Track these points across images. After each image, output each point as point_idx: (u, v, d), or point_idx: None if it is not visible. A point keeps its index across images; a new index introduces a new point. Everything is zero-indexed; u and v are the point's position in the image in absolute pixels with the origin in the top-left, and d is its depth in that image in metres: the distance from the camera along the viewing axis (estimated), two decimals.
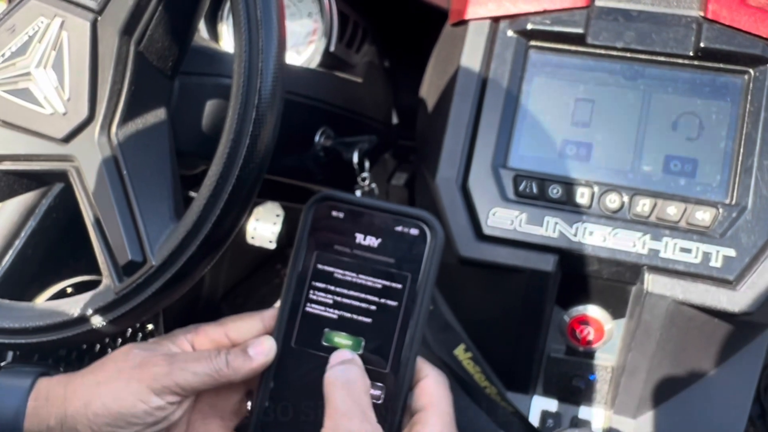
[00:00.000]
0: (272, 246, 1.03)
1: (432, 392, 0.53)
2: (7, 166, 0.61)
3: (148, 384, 0.51)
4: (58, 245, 0.94)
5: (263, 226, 1.03)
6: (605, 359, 0.71)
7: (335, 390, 0.49)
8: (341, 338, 0.54)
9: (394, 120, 1.03)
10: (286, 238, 1.04)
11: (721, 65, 0.66)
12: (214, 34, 0.85)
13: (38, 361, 0.79)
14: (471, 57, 0.71)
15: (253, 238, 1.03)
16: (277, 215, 1.04)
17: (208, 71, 0.65)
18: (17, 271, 0.89)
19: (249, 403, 0.58)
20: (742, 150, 0.64)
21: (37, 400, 0.52)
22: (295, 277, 0.56)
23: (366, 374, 0.51)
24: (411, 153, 1.17)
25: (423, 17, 0.85)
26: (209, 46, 0.74)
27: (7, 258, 0.90)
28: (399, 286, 0.54)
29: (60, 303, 0.56)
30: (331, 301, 0.55)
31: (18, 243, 0.91)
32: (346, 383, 0.49)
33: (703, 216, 0.63)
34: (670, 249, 0.63)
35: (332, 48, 0.81)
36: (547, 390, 0.72)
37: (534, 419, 0.72)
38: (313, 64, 0.82)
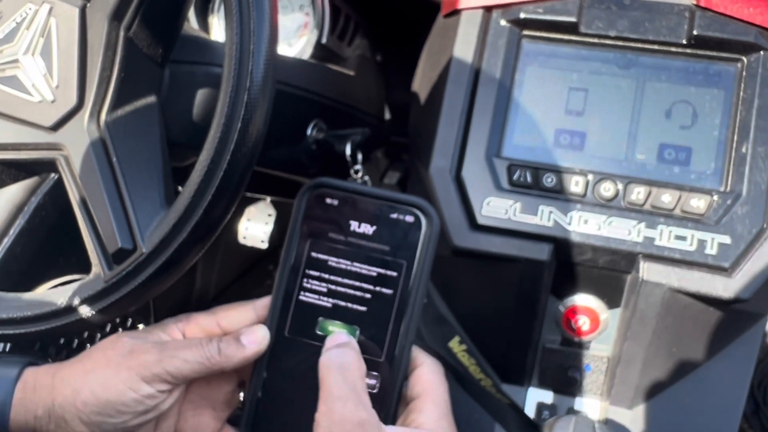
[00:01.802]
0: (264, 246, 1.02)
1: (427, 380, 0.52)
2: None
3: (138, 372, 0.50)
4: (47, 244, 0.93)
5: (255, 226, 1.02)
6: (600, 349, 0.70)
7: (330, 374, 0.48)
8: (336, 327, 0.54)
9: (387, 115, 1.03)
10: (278, 238, 1.03)
11: (714, 53, 0.66)
12: (204, 25, 0.84)
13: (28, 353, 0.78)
14: (463, 47, 0.70)
15: (245, 238, 1.02)
16: (269, 215, 1.03)
17: (199, 59, 0.64)
18: (6, 270, 0.88)
19: (241, 394, 0.57)
20: (735, 137, 0.64)
21: (24, 390, 0.51)
22: (288, 266, 0.55)
23: (362, 359, 0.51)
24: (403, 152, 1.16)
25: (414, 10, 0.85)
26: (200, 35, 0.74)
27: None
28: (394, 274, 0.54)
29: (49, 293, 0.56)
30: (325, 290, 0.55)
31: (6, 241, 0.90)
32: (342, 367, 0.48)
33: (698, 203, 0.63)
34: (665, 237, 0.63)
35: (324, 40, 0.81)
36: (543, 381, 0.72)
37: (529, 411, 0.71)
38: (305, 56, 0.81)
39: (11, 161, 0.60)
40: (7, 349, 0.76)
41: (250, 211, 1.04)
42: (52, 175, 0.94)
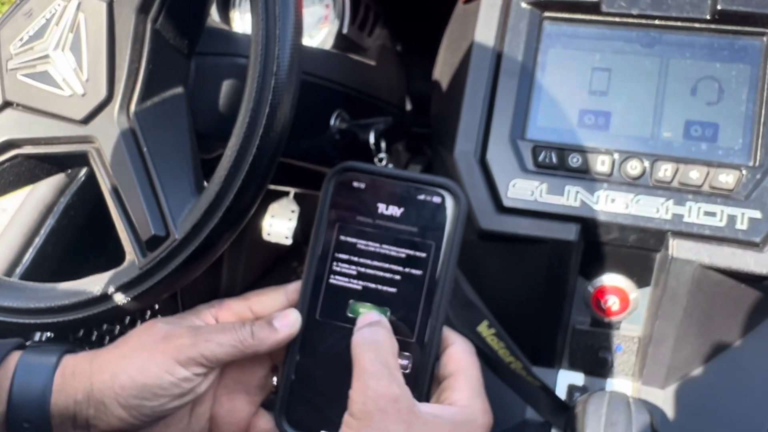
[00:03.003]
0: (288, 242, 1.03)
1: (459, 358, 0.53)
2: (28, 150, 0.61)
3: (173, 355, 0.51)
4: (77, 243, 0.95)
5: (279, 222, 1.03)
6: (631, 330, 0.70)
7: (363, 351, 0.49)
8: (366, 309, 0.54)
9: (408, 106, 1.03)
10: (301, 234, 1.04)
11: (739, 27, 0.65)
12: (226, 20, 0.85)
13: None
14: (485, 31, 0.70)
15: (269, 234, 1.03)
16: (293, 211, 1.04)
17: (224, 51, 0.65)
18: (38, 269, 0.90)
19: (275, 378, 0.58)
20: (763, 112, 0.64)
21: (64, 376, 0.52)
22: (317, 250, 0.56)
23: (393, 337, 0.51)
24: (424, 143, 1.17)
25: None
26: (223, 27, 0.74)
27: (28, 256, 0.91)
28: (423, 254, 0.54)
29: (85, 281, 0.57)
30: (354, 273, 0.55)
31: (38, 241, 0.92)
32: (374, 344, 0.49)
33: (727, 179, 0.62)
34: (694, 213, 0.62)
35: (345, 30, 0.81)
36: (573, 363, 0.72)
37: (561, 393, 0.71)
38: (327, 47, 0.82)
39: (44, 155, 0.61)
40: (44, 338, 0.78)
41: (274, 207, 1.05)
42: (81, 175, 0.96)
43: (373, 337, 0.50)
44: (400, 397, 0.47)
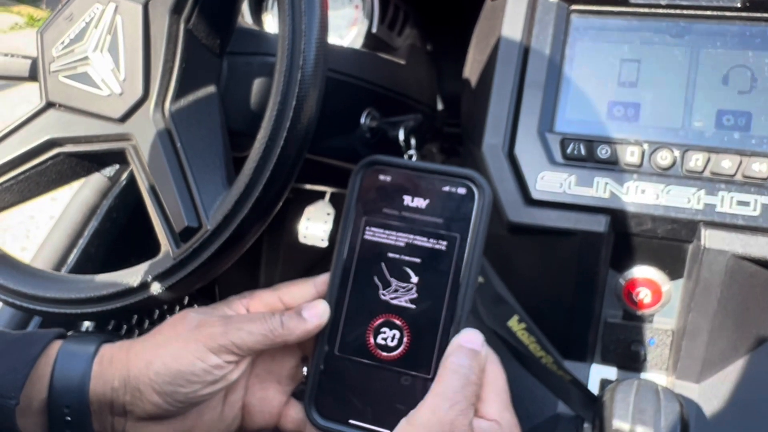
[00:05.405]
0: (324, 244, 1.04)
1: (488, 370, 0.52)
2: (70, 148, 0.63)
3: (205, 343, 0.52)
4: (119, 244, 0.98)
5: (315, 225, 1.04)
6: (664, 323, 0.69)
7: (453, 375, 0.49)
8: None
9: (439, 106, 1.04)
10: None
11: None
12: (258, 23, 0.87)
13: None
14: (512, 25, 0.71)
15: (305, 237, 1.05)
16: (328, 213, 1.05)
17: (254, 50, 0.66)
18: (82, 269, 0.93)
19: (305, 369, 0.59)
20: None
21: (102, 364, 0.54)
22: (345, 242, 0.57)
23: (483, 371, 0.51)
24: (458, 144, 1.17)
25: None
26: (255, 28, 0.76)
27: (72, 257, 0.94)
28: (448, 245, 0.55)
29: (121, 273, 0.59)
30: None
31: (82, 242, 0.95)
32: (466, 378, 0.49)
33: (760, 167, 0.61)
34: (727, 203, 0.62)
35: (374, 29, 0.82)
36: (606, 357, 0.71)
37: (593, 387, 0.71)
38: (357, 46, 0.83)
39: (85, 153, 0.63)
40: (90, 328, 0.81)
41: (310, 210, 1.06)
42: (122, 178, 0.98)
43: (468, 372, 0.49)
44: (461, 428, 0.47)
